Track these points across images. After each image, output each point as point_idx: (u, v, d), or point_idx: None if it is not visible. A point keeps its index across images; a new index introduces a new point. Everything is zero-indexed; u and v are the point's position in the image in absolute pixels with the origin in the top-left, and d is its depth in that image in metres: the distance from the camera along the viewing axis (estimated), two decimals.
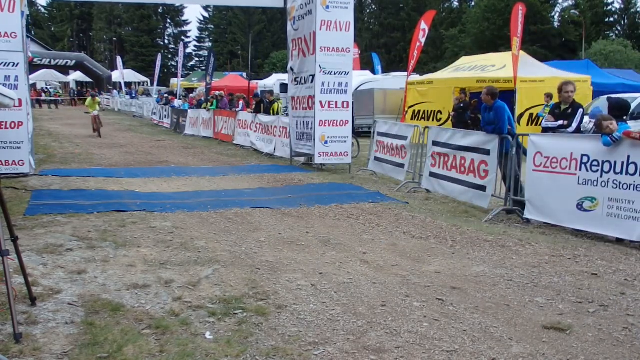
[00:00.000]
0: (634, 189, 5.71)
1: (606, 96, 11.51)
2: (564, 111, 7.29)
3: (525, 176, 7.12)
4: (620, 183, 5.84)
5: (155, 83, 39.56)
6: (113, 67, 51.33)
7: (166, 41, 75.79)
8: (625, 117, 6.98)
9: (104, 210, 7.09)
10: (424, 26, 15.89)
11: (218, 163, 12.81)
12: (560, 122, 7.20)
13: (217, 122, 18.52)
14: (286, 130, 12.95)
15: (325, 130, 11.17)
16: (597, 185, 6.05)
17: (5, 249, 3.39)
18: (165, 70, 67.85)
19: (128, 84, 46.19)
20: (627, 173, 5.78)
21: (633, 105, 14.01)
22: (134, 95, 39.84)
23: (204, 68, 42.68)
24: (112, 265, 4.88)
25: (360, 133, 17.26)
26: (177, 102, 26.08)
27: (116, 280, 4.49)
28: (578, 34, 45.84)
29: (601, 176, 6.02)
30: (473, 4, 57.72)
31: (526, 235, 6.34)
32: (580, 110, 7.19)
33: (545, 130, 7.58)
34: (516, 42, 14.54)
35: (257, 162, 13.12)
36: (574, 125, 7.09)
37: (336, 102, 11.19)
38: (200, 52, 77.15)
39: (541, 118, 14.88)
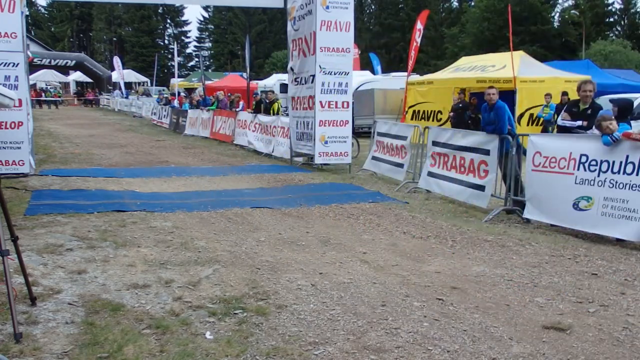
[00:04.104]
0: (629, 188, 5.73)
1: (608, 97, 11.43)
2: (582, 111, 6.89)
3: (525, 176, 7.12)
4: (616, 182, 5.85)
5: (154, 83, 39.58)
6: (112, 68, 51.48)
7: (166, 41, 75.80)
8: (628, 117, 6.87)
9: (104, 210, 7.10)
10: (419, 26, 15.91)
11: (218, 163, 12.81)
12: (579, 123, 6.88)
13: (216, 122, 18.52)
14: (285, 130, 12.96)
15: (325, 130, 11.17)
16: (593, 185, 6.06)
17: (5, 248, 3.39)
18: (166, 71, 67.88)
19: (128, 84, 46.19)
20: (624, 172, 5.80)
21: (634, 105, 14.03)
22: (125, 95, 39.75)
23: (204, 68, 42.77)
24: (112, 265, 4.89)
25: (360, 133, 17.25)
26: (176, 102, 26.09)
27: (116, 280, 4.49)
28: (578, 34, 45.83)
29: (598, 176, 6.02)
30: (473, 3, 57.71)
31: (526, 235, 6.34)
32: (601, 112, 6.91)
33: (560, 129, 7.28)
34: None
35: (257, 162, 13.12)
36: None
37: (336, 102, 11.19)
38: (200, 52, 77.16)
39: (541, 118, 14.94)
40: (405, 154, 9.87)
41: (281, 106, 15.99)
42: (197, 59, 75.25)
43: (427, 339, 3.52)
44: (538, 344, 3.47)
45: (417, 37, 15.85)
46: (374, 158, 11.05)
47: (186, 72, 64.47)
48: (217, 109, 19.18)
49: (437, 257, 5.42)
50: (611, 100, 9.74)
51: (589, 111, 6.85)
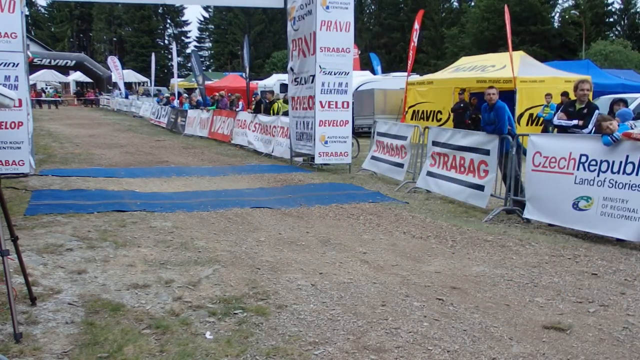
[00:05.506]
0: (629, 188, 5.73)
1: (618, 97, 11.43)
2: (579, 110, 6.89)
3: (525, 176, 7.12)
4: (616, 182, 5.85)
5: (152, 83, 39.56)
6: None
7: (166, 41, 75.75)
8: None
9: (104, 210, 7.10)
10: (416, 26, 15.92)
11: (218, 163, 12.81)
12: (575, 122, 6.88)
13: (215, 122, 18.51)
14: (285, 130, 12.96)
15: (325, 130, 11.17)
16: (593, 185, 6.07)
17: (5, 248, 3.39)
18: (166, 71, 67.82)
19: (128, 84, 46.12)
20: (624, 172, 5.80)
21: (633, 105, 14.04)
22: (124, 95, 39.75)
23: (204, 68, 42.77)
24: (112, 265, 4.89)
25: (360, 133, 17.26)
26: (176, 102, 26.07)
27: (116, 280, 4.49)
28: (578, 34, 45.82)
29: (598, 175, 6.03)
30: (473, 3, 57.71)
31: (526, 235, 6.34)
32: (597, 112, 6.83)
33: (553, 128, 7.30)
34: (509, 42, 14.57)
35: (257, 162, 13.12)
36: (590, 126, 6.75)
37: (336, 102, 11.20)
38: (200, 53, 77.09)
39: (541, 118, 14.95)
40: (405, 154, 9.88)
41: (282, 105, 15.97)
42: (192, 60, 75.37)
43: (427, 339, 3.52)
44: (538, 344, 3.47)
45: (415, 37, 15.86)
46: (373, 158, 11.05)
47: (186, 72, 64.44)
48: (217, 109, 19.18)
49: (437, 257, 5.42)
50: (621, 99, 9.79)
51: (585, 110, 6.91)
